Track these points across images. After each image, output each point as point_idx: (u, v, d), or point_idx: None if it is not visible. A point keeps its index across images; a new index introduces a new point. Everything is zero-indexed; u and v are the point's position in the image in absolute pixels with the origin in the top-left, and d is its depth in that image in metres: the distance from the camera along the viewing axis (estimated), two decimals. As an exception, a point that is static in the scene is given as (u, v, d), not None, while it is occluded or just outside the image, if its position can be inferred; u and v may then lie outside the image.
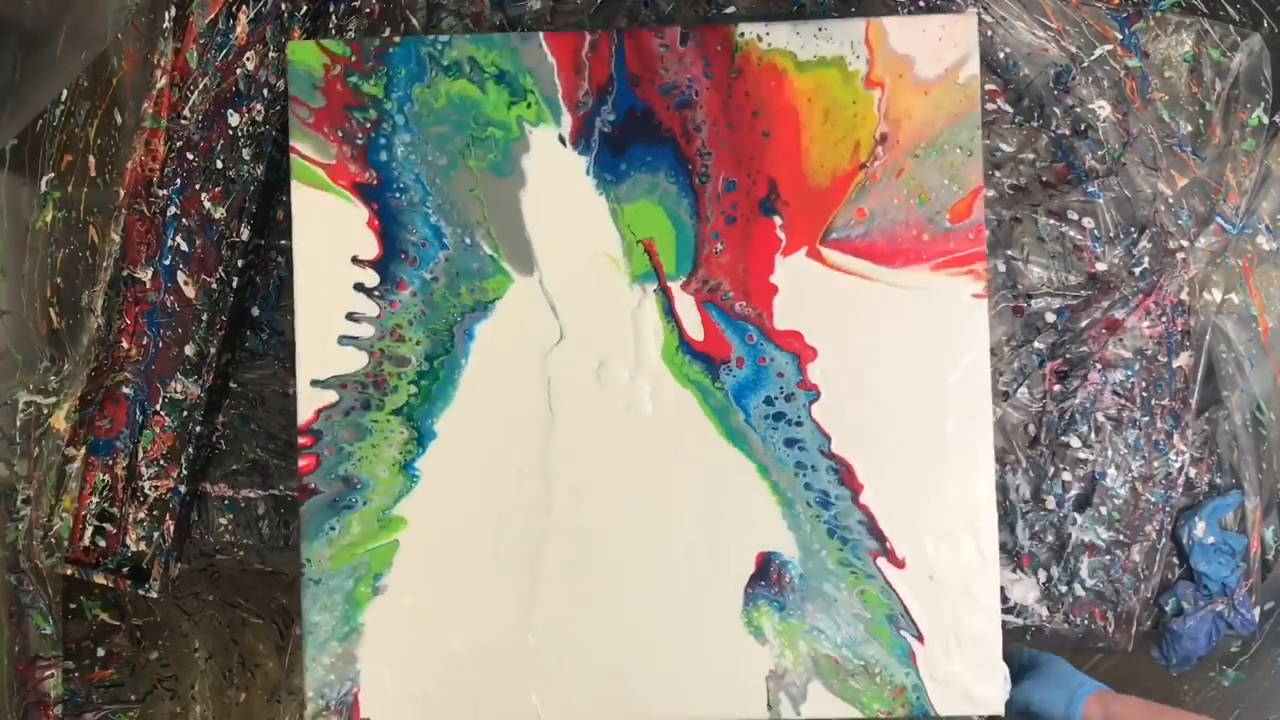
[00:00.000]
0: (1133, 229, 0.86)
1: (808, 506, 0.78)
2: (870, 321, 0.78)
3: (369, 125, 0.79)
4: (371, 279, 0.80)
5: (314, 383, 0.79)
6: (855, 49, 0.78)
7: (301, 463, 0.79)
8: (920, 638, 0.78)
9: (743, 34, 0.78)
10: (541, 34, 0.79)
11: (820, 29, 0.78)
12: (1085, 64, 0.86)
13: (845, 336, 0.78)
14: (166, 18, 0.87)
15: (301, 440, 0.79)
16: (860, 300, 0.78)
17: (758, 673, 0.78)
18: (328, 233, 0.80)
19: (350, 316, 0.80)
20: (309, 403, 0.79)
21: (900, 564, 0.78)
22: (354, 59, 0.79)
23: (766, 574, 0.78)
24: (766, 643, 0.78)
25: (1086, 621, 0.86)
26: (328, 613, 0.79)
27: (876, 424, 0.78)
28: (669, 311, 0.79)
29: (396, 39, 0.80)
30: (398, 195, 0.79)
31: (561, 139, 0.79)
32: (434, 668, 0.79)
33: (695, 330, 0.79)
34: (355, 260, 0.79)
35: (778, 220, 0.78)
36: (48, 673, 0.91)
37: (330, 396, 0.79)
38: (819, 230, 0.78)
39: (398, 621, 0.79)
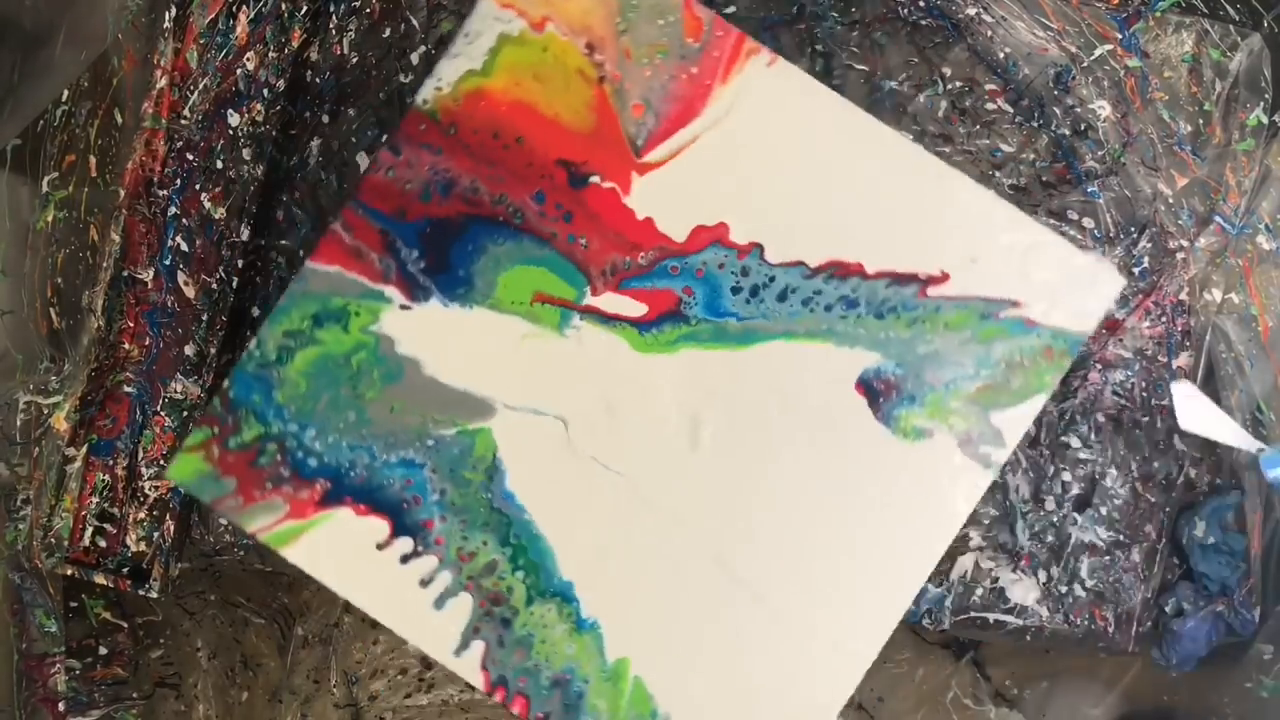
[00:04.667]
0: (1133, 229, 0.86)
1: (841, 319, 0.77)
2: (730, 165, 0.77)
3: (280, 457, 0.78)
4: (406, 545, 0.78)
5: (457, 653, 0.78)
6: (501, 18, 0.77)
7: (515, 710, 0.78)
8: (1015, 303, 0.76)
9: (425, 100, 0.77)
10: (305, 259, 0.78)
11: (465, 35, 0.77)
12: (1085, 64, 0.86)
13: (727, 192, 0.77)
14: (166, 18, 0.87)
15: (499, 698, 0.78)
16: (708, 161, 0.77)
17: (952, 460, 0.76)
18: (341, 555, 0.78)
19: (423, 583, 0.78)
20: (471, 670, 0.77)
21: (944, 277, 0.76)
22: (216, 431, 0.78)
23: (875, 391, 0.77)
24: (931, 432, 0.76)
25: (1086, 621, 0.86)
26: None
27: (823, 219, 0.77)
28: (606, 320, 0.78)
29: (225, 383, 0.78)
30: (351, 475, 0.78)
31: (403, 307, 0.78)
32: None
33: (636, 310, 0.78)
34: (380, 547, 0.78)
35: (596, 179, 0.78)
36: (54, 669, 0.92)
37: (479, 648, 0.78)
38: (627, 153, 0.78)
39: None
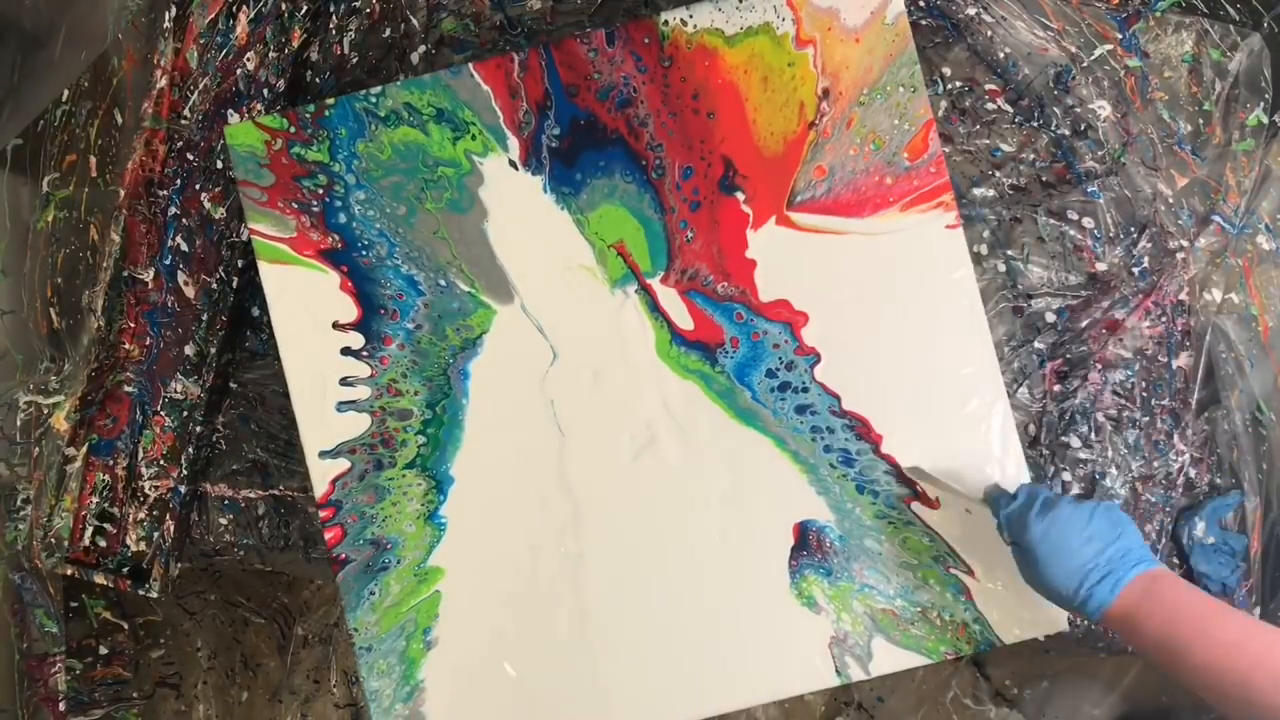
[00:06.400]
0: (1133, 229, 0.86)
1: (832, 468, 0.78)
2: (853, 274, 0.78)
3: (321, 191, 0.80)
4: (357, 341, 0.80)
5: (322, 454, 0.79)
6: (779, 12, 0.78)
7: (327, 535, 0.79)
8: (970, 572, 0.77)
9: (666, 22, 0.78)
10: (470, 65, 0.79)
11: (740, 1, 0.78)
12: (1085, 64, 0.85)
13: (832, 294, 0.78)
14: (166, 18, 0.87)
15: (322, 514, 0.79)
16: (839, 256, 0.78)
17: (819, 642, 0.78)
18: (304, 304, 0.80)
19: (344, 381, 0.80)
20: (322, 475, 0.79)
21: (934, 504, 0.78)
22: (292, 130, 0.80)
23: (806, 543, 0.78)
24: (821, 610, 0.78)
25: (1087, 621, 0.86)
26: (386, 677, 0.79)
27: (881, 372, 0.78)
28: (654, 308, 0.79)
29: (330, 101, 0.79)
30: (364, 253, 0.80)
31: (512, 163, 0.79)
32: (501, 705, 0.79)
33: (684, 321, 0.79)
34: (337, 325, 0.79)
35: (740, 196, 0.79)
36: (54, 669, 0.92)
37: (341, 465, 0.79)
38: (783, 197, 0.78)
39: (456, 670, 0.79)
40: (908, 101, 0.78)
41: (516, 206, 0.80)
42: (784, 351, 0.79)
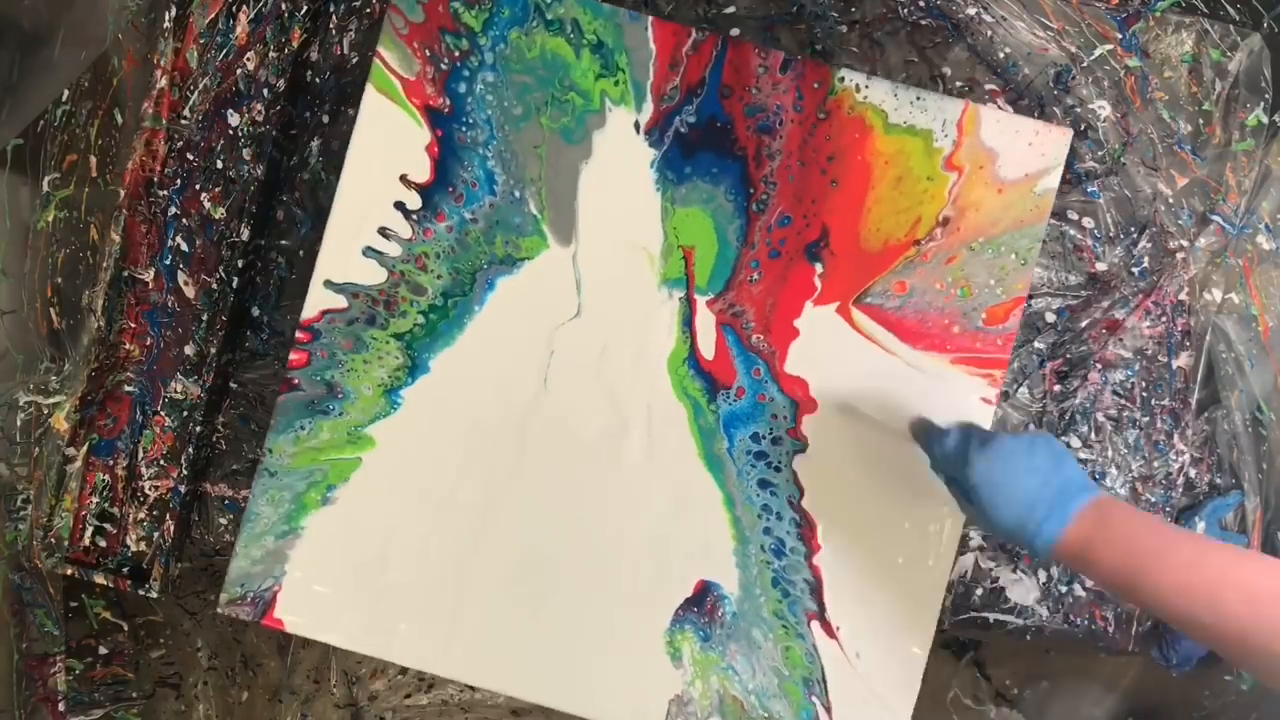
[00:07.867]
0: (1133, 229, 0.86)
1: (761, 550, 0.78)
2: (876, 393, 0.78)
3: (458, 54, 0.79)
4: (415, 202, 0.80)
5: (327, 283, 0.80)
6: (946, 128, 0.78)
7: (292, 356, 0.79)
8: (829, 710, 0.78)
9: (842, 78, 0.78)
10: (650, 18, 0.79)
11: (918, 97, 0.78)
12: (1085, 64, 0.86)
13: (847, 399, 0.78)
14: (166, 18, 0.87)
15: (299, 335, 0.79)
16: (873, 370, 0.78)
17: (663, 693, 0.79)
18: (385, 145, 0.80)
19: (382, 231, 0.79)
20: (316, 302, 0.80)
21: (833, 633, 0.78)
22: None
23: (701, 602, 0.78)
24: (681, 667, 0.79)
25: (1086, 621, 0.86)
26: (272, 507, 0.80)
27: (851, 494, 0.78)
28: (687, 322, 0.79)
29: None
30: (464, 129, 0.80)
31: (637, 125, 0.79)
32: (360, 591, 0.80)
33: (707, 348, 0.79)
34: (404, 179, 0.79)
35: (819, 268, 0.78)
36: (54, 669, 0.92)
37: (340, 301, 0.80)
38: (856, 291, 0.78)
39: (337, 536, 0.80)
40: (1013, 270, 0.78)
41: (620, 165, 0.79)
42: (778, 425, 0.78)
